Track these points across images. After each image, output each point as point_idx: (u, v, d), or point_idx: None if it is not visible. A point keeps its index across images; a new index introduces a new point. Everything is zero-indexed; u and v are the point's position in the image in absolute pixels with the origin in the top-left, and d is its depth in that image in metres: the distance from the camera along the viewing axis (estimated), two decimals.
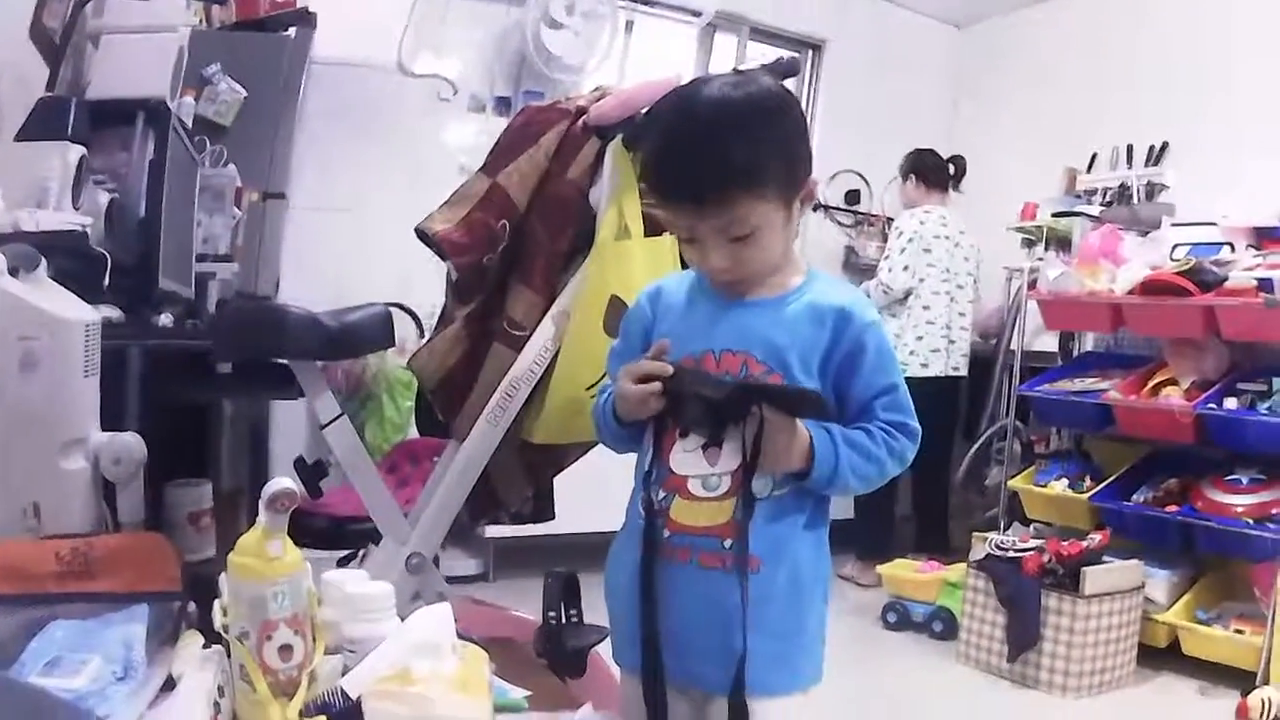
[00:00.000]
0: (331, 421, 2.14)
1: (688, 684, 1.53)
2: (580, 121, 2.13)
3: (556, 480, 2.43)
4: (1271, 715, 3.16)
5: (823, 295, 1.55)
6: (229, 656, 1.32)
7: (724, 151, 1.42)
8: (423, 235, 2.10)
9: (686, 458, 1.52)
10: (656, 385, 1.47)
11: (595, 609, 2.25)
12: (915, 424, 1.55)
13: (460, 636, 1.42)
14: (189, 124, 3.28)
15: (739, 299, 1.55)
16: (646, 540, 1.52)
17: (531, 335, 2.08)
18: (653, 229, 2.06)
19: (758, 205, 1.45)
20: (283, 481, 1.30)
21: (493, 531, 4.06)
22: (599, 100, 2.15)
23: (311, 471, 2.28)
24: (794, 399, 1.47)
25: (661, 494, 1.53)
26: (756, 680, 1.45)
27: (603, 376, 1.85)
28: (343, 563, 2.39)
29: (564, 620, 2.11)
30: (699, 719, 1.56)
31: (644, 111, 1.80)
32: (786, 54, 2.08)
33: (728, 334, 1.53)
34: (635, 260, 2.03)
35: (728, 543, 1.48)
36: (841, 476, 1.48)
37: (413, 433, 3.22)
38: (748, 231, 1.46)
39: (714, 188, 1.43)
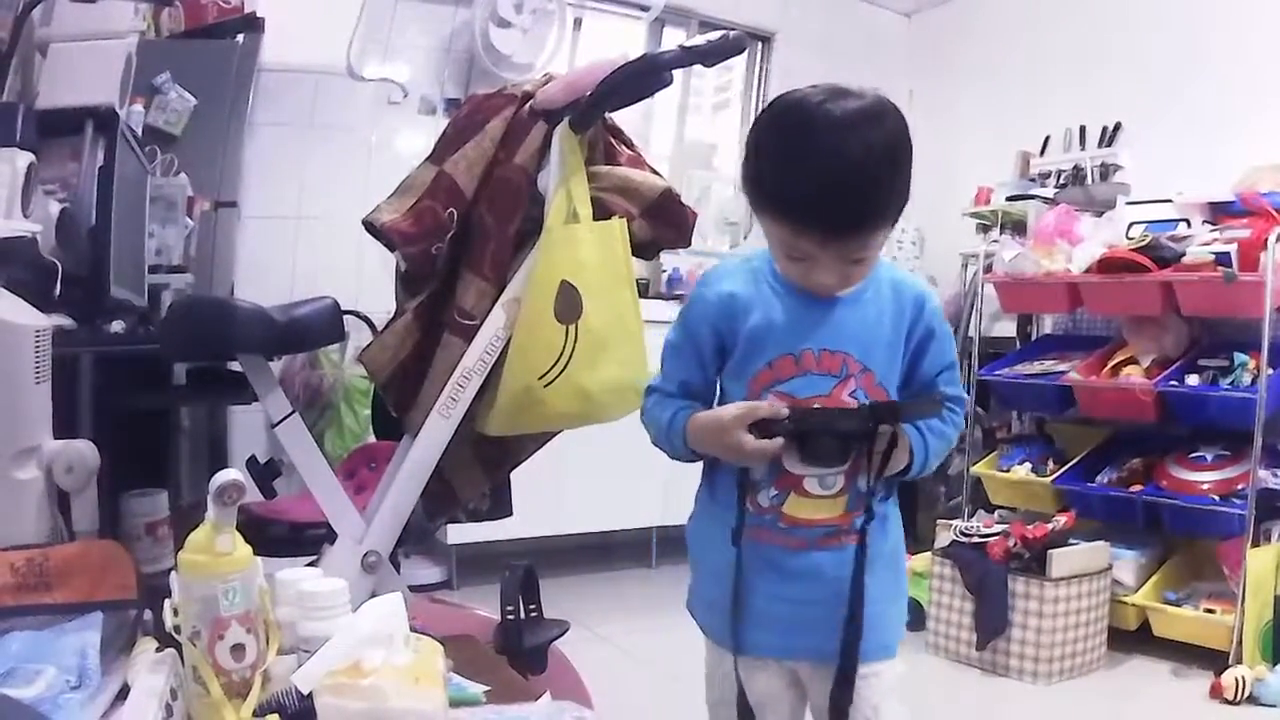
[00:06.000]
0: (283, 419, 2.09)
1: (793, 657, 1.62)
2: (527, 107, 2.11)
3: (517, 485, 2.40)
4: (1246, 693, 3.17)
5: (895, 283, 1.60)
6: (182, 659, 1.29)
7: (878, 194, 1.44)
8: (370, 227, 2.07)
9: (800, 463, 1.54)
10: (776, 443, 1.48)
11: (551, 605, 2.22)
12: (965, 394, 1.69)
13: (415, 631, 1.39)
14: (139, 133, 3.24)
15: (822, 295, 1.55)
16: (735, 533, 1.56)
17: (482, 324, 2.05)
18: (601, 212, 2.04)
19: (887, 232, 1.49)
20: (230, 473, 1.28)
21: (455, 538, 4.02)
22: (545, 85, 2.13)
23: (264, 471, 2.24)
24: (920, 409, 1.56)
25: (774, 492, 1.55)
26: (877, 640, 1.57)
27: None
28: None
29: (523, 615, 2.08)
30: (795, 690, 1.66)
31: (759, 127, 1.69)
32: (733, 32, 2.05)
33: (825, 333, 1.55)
34: (584, 244, 2.01)
35: (843, 528, 1.56)
36: (929, 464, 1.60)
37: (371, 440, 3.18)
38: (869, 255, 1.51)
39: (867, 227, 1.46)
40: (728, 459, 1.55)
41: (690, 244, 2.27)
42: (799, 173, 1.43)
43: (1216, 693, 3.21)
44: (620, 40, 5.41)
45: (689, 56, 2.05)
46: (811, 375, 1.53)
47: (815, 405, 1.51)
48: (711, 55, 2.06)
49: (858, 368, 1.54)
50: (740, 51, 2.05)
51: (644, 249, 2.14)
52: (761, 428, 1.47)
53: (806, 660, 1.61)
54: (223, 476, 1.26)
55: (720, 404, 1.59)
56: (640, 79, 2.02)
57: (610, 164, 2.16)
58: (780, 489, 1.55)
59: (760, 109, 1.52)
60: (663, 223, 2.13)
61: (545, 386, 1.97)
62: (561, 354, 1.97)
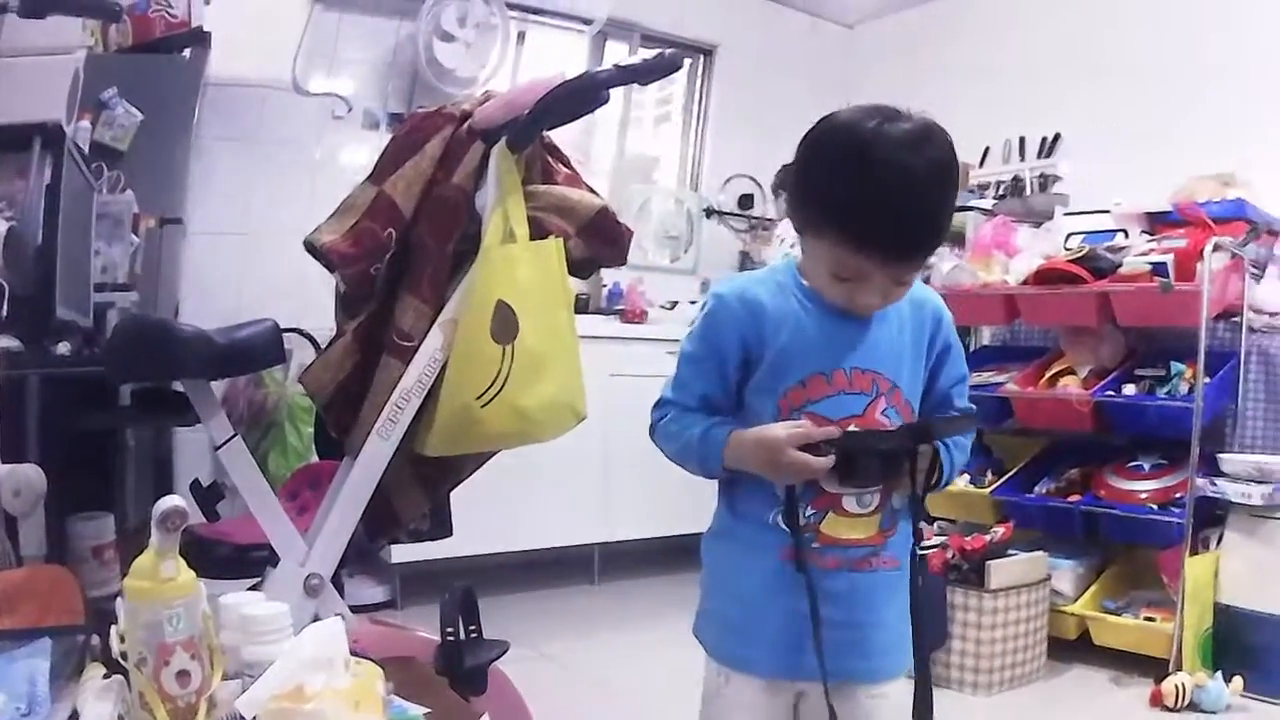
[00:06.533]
0: (226, 442, 2.08)
1: (808, 677, 1.56)
2: (465, 126, 2.11)
3: (458, 504, 2.39)
4: (1186, 701, 3.19)
5: (912, 298, 1.59)
6: (129, 685, 1.30)
7: (942, 215, 1.47)
8: (310, 247, 2.06)
9: (838, 484, 1.53)
10: (829, 460, 1.47)
11: (494, 624, 2.22)
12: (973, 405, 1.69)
13: (356, 655, 1.39)
14: (86, 149, 3.21)
15: (850, 312, 1.54)
16: (796, 553, 1.53)
17: (420, 345, 2.04)
18: (538, 231, 2.04)
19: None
20: (172, 499, 1.29)
21: (399, 557, 4.00)
22: (484, 103, 2.13)
23: (207, 494, 2.23)
24: (956, 425, 1.59)
25: (811, 511, 1.54)
26: (893, 663, 1.61)
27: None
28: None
29: (464, 636, 2.08)
30: (787, 713, 1.63)
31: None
32: (669, 50, 2.07)
33: (857, 352, 1.54)
34: (521, 264, 2.00)
35: (877, 549, 1.56)
36: (954, 478, 1.64)
37: (315, 459, 3.17)
38: (915, 277, 1.54)
39: (930, 247, 1.50)
40: (773, 477, 1.52)
41: (626, 261, 2.27)
42: (868, 192, 1.41)
43: (1157, 700, 3.23)
44: (563, 54, 5.44)
45: (625, 75, 2.06)
46: (844, 395, 1.53)
47: (852, 427, 1.51)
48: (648, 74, 2.08)
49: (888, 386, 1.55)
50: (676, 70, 2.07)
51: (581, 267, 2.14)
52: (808, 448, 1.47)
53: (816, 681, 1.56)
54: (165, 503, 1.27)
55: (746, 419, 1.56)
56: (577, 98, 2.03)
57: (548, 182, 2.16)
58: (818, 508, 1.53)
59: (811, 130, 1.50)
60: (599, 241, 2.13)
61: (483, 407, 1.97)
62: (498, 374, 1.96)
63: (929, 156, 1.42)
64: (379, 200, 2.07)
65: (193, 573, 1.32)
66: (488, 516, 3.82)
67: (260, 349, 2.24)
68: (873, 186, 1.41)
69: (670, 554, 4.53)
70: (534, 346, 2.00)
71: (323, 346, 2.53)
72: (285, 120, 4.67)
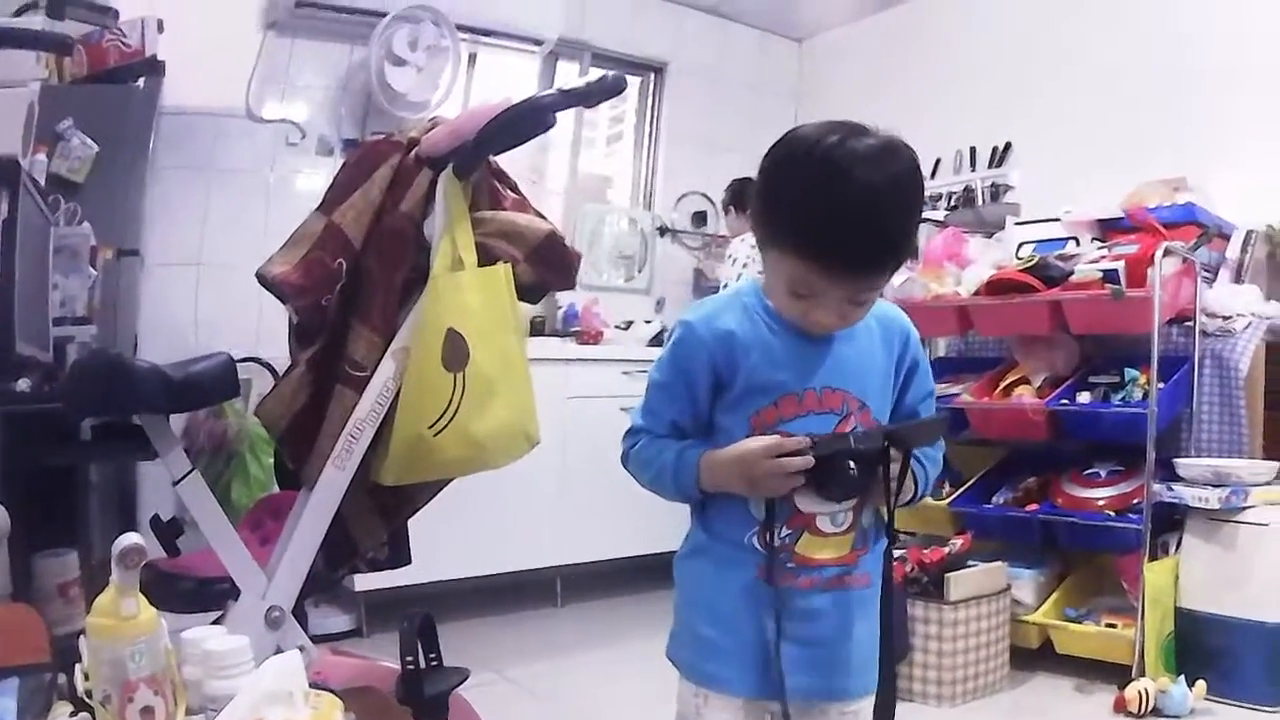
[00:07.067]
0: (184, 476, 2.08)
1: (773, 696, 1.56)
2: (412, 153, 2.11)
3: (421, 531, 2.39)
4: (1150, 706, 3.19)
5: (879, 316, 1.61)
6: None
7: (904, 232, 1.48)
8: (263, 279, 2.06)
9: (814, 498, 1.53)
10: (807, 460, 1.47)
11: (459, 650, 2.22)
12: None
13: (316, 687, 1.40)
14: (42, 182, 3.20)
15: (817, 334, 1.55)
16: (769, 571, 1.54)
17: (373, 375, 2.05)
18: (486, 258, 2.05)
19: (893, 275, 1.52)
20: (130, 537, 1.31)
21: (363, 586, 3.98)
22: (431, 130, 2.14)
23: (166, 529, 2.22)
24: (927, 427, 1.63)
25: (786, 531, 1.54)
26: (866, 681, 1.59)
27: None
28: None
29: (423, 664, 2.08)
30: None
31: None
32: (612, 73, 2.09)
33: (826, 371, 1.55)
34: (470, 291, 2.01)
35: (850, 568, 1.57)
36: (928, 491, 1.65)
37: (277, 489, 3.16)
38: (873, 297, 1.53)
39: (890, 264, 1.48)
40: (751, 492, 1.53)
41: (575, 285, 2.29)
42: (830, 208, 1.41)
43: (1121, 707, 3.23)
44: (515, 75, 5.45)
45: (569, 99, 2.08)
46: (814, 414, 1.53)
47: (824, 436, 1.51)
48: (591, 96, 2.10)
49: (856, 404, 1.55)
50: (620, 91, 2.08)
51: (529, 292, 2.15)
52: (791, 459, 1.47)
53: (793, 700, 1.56)
54: (123, 541, 1.28)
55: (718, 441, 1.56)
56: (521, 123, 2.04)
57: (495, 208, 2.17)
58: (793, 527, 1.54)
59: (774, 146, 1.50)
60: (547, 266, 2.14)
61: (435, 435, 1.98)
62: (450, 402, 1.97)
63: (892, 173, 1.42)
64: (329, 230, 2.08)
65: (154, 609, 1.33)
66: (451, 542, 3.82)
67: (214, 383, 2.23)
68: (835, 203, 1.41)
69: (633, 574, 4.53)
70: (485, 373, 2.01)
71: (280, 374, 2.53)
72: (240, 148, 4.66)
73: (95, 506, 3.38)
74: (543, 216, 2.21)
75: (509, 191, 2.22)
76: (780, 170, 1.49)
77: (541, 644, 4.09)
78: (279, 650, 2.09)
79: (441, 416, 1.97)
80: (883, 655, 1.58)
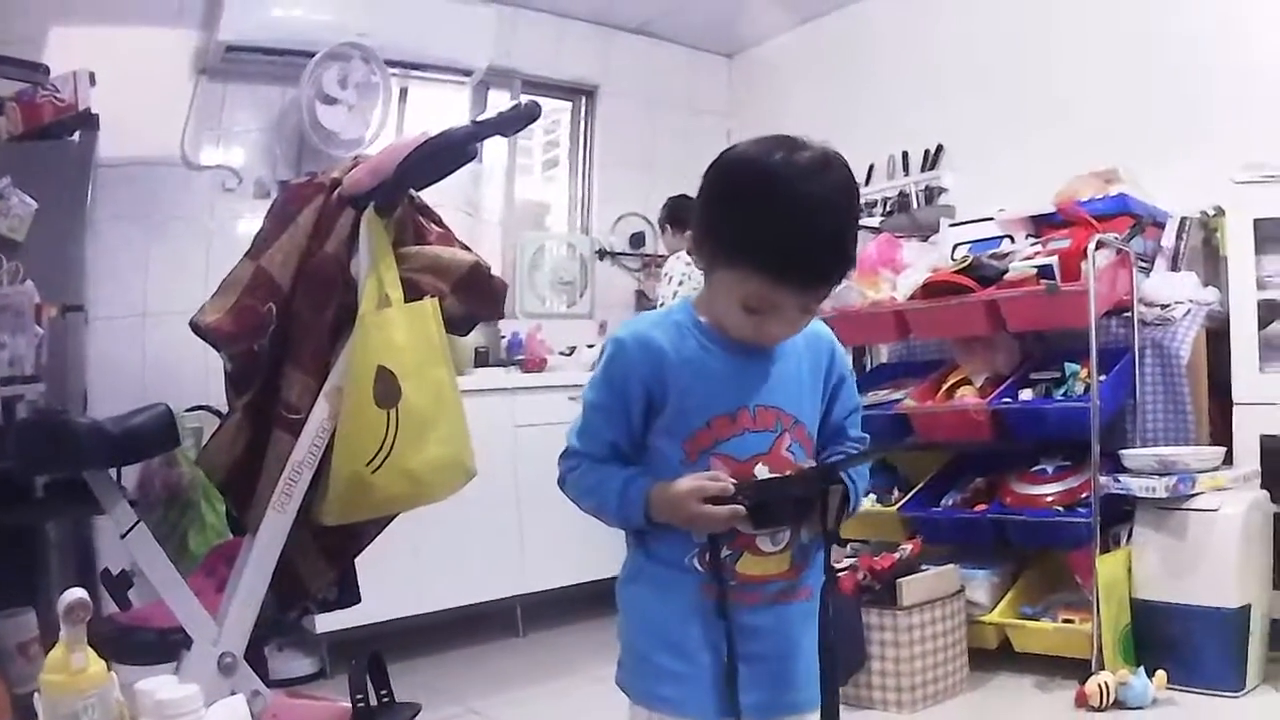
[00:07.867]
0: (130, 529, 2.09)
1: (729, 714, 1.55)
2: (335, 194, 2.13)
3: (378, 569, 2.40)
4: (1111, 699, 3.19)
5: (806, 333, 1.59)
6: None
7: (850, 245, 1.48)
8: (196, 328, 2.08)
9: (751, 528, 1.52)
10: (736, 510, 1.46)
11: (422, 684, 2.22)
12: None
13: None
14: None
15: (748, 349, 1.54)
16: (716, 590, 1.53)
17: (308, 417, 2.06)
18: (413, 293, 2.06)
19: None
20: (75, 593, 1.32)
21: (325, 627, 3.95)
22: (352, 169, 2.15)
23: (117, 583, 2.23)
24: (861, 460, 1.62)
25: (726, 552, 1.53)
26: (816, 693, 1.57)
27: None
28: None
29: (375, 701, 2.08)
30: None
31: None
32: (526, 99, 2.11)
33: (758, 389, 1.54)
34: (398, 328, 2.02)
35: (793, 583, 1.57)
36: (859, 506, 1.61)
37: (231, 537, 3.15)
38: (820, 304, 1.53)
39: (839, 277, 1.48)
40: (690, 529, 1.51)
41: (503, 315, 2.31)
42: (782, 224, 1.41)
43: (1082, 701, 3.22)
44: (446, 106, 5.42)
45: (484, 129, 2.10)
46: (749, 433, 1.53)
47: (759, 468, 1.52)
48: (506, 125, 2.12)
49: (789, 420, 1.55)
50: (535, 118, 2.10)
51: (458, 324, 2.17)
52: (714, 500, 1.46)
53: (747, 717, 1.55)
54: (68, 596, 1.30)
55: (652, 463, 1.55)
56: (438, 157, 2.05)
57: (420, 243, 2.18)
58: (734, 548, 1.53)
59: (713, 165, 1.49)
60: (473, 297, 2.16)
61: (373, 472, 1.98)
62: (385, 439, 1.98)
63: (833, 182, 1.43)
64: (257, 275, 2.09)
65: (103, 663, 1.36)
66: (411, 578, 3.82)
67: (152, 435, 2.26)
68: (786, 218, 1.41)
69: (595, 599, 4.51)
70: (418, 408, 2.02)
71: None
72: (178, 196, 4.64)
73: (55, 562, 3.36)
74: (468, 248, 2.23)
75: (433, 225, 2.24)
76: (725, 191, 1.49)
77: (506, 674, 4.07)
78: (233, 694, 2.09)
79: (378, 454, 1.98)
80: (823, 665, 1.57)
